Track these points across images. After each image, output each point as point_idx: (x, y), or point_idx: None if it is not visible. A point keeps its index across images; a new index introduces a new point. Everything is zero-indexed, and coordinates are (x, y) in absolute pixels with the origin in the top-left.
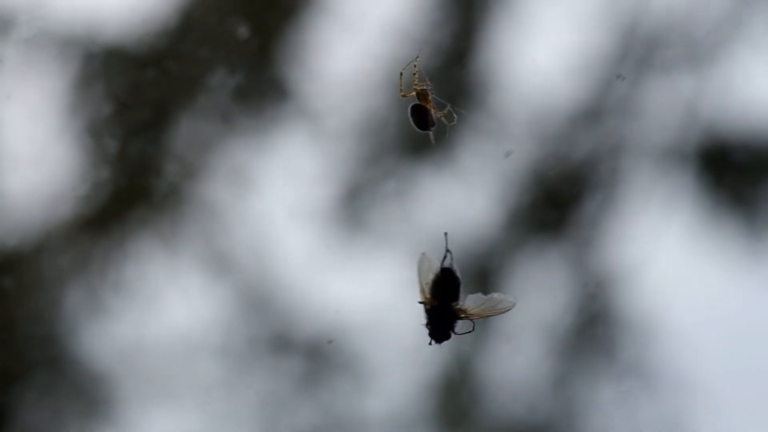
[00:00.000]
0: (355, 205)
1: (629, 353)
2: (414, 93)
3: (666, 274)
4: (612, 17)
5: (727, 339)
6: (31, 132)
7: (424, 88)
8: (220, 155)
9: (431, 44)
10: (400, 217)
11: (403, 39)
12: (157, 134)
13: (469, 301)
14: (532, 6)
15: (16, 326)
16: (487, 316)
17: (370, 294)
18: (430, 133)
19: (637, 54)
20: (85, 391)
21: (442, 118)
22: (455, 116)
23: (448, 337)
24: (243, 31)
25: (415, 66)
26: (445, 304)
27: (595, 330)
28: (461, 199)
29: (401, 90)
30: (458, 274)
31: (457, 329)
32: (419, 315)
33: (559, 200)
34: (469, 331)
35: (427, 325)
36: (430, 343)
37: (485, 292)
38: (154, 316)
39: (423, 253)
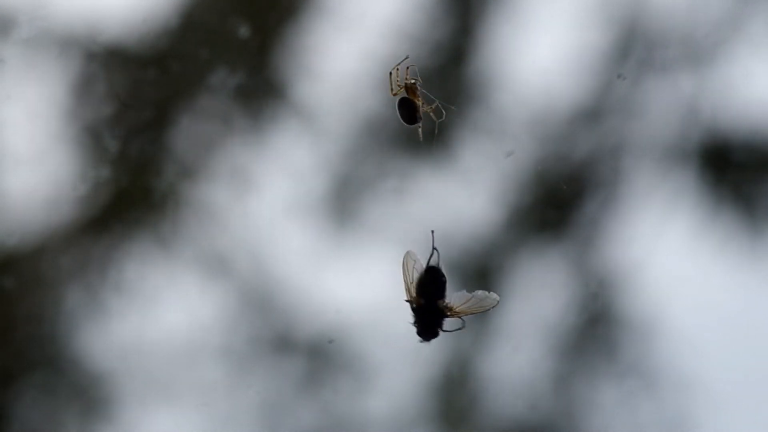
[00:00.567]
0: (355, 205)
1: (630, 353)
2: (403, 89)
3: (667, 273)
4: (612, 16)
5: (728, 338)
6: (31, 132)
7: (412, 82)
8: (220, 155)
9: (430, 43)
10: (401, 217)
11: (402, 38)
12: (158, 134)
13: (454, 299)
14: (532, 5)
15: (16, 326)
16: (472, 314)
17: (371, 293)
18: (419, 127)
19: (637, 53)
20: (85, 391)
21: (431, 113)
22: (444, 112)
23: (436, 335)
24: (243, 30)
25: (401, 64)
26: (431, 302)
27: (596, 329)
28: (462, 198)
29: (391, 89)
30: (444, 272)
31: (445, 326)
32: (408, 313)
33: (559, 200)
34: (460, 329)
35: (415, 323)
36: (420, 341)
37: (486, 291)
38: (154, 316)
39: (408, 252)
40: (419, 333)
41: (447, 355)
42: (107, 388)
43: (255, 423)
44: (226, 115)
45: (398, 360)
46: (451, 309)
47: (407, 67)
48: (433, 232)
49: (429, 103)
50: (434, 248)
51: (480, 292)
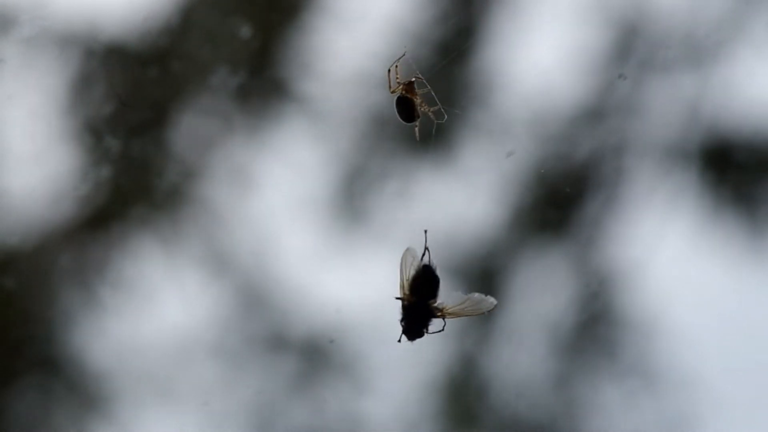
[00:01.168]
0: (356, 205)
1: (631, 352)
2: (402, 86)
3: (668, 273)
4: (613, 17)
5: (729, 337)
6: (32, 131)
7: (411, 80)
8: (220, 154)
9: (432, 43)
10: (402, 217)
11: (403, 37)
12: (158, 133)
13: (448, 300)
14: (533, 5)
15: (15, 325)
16: (465, 316)
17: (372, 293)
18: (416, 126)
19: (638, 53)
20: (82, 389)
21: (429, 112)
22: (445, 115)
23: (420, 335)
24: (244, 30)
25: (398, 62)
26: (422, 301)
27: (597, 329)
28: (463, 198)
29: (389, 86)
30: (438, 272)
31: (430, 328)
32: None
33: (561, 200)
34: (439, 331)
35: (402, 321)
36: (399, 340)
37: (486, 291)
38: (153, 315)
39: (408, 248)
40: (404, 332)
41: (449, 356)
42: (105, 386)
43: (255, 422)
44: (227, 113)
45: (399, 360)
46: (442, 310)
47: (397, 65)
48: (426, 231)
49: (431, 104)
50: (426, 247)
51: (476, 295)
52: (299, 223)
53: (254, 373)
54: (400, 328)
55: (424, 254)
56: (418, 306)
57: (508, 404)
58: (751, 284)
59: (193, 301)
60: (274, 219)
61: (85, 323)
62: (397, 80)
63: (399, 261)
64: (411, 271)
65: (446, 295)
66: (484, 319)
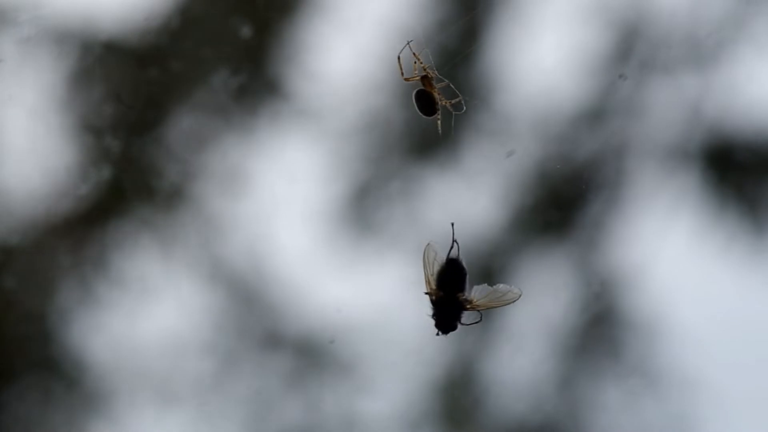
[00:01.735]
0: (358, 205)
1: (634, 353)
2: (418, 78)
3: (671, 273)
4: (615, 17)
5: (732, 337)
6: (31, 131)
7: (427, 73)
8: (220, 154)
9: (433, 44)
10: (403, 217)
11: (404, 38)
12: (158, 133)
13: (474, 292)
14: (535, 6)
15: (12, 323)
16: (493, 307)
17: (373, 293)
18: (438, 119)
19: (640, 54)
20: (80, 387)
21: (448, 105)
22: (464, 106)
23: (454, 328)
24: (244, 30)
25: (413, 53)
26: (450, 294)
27: (600, 330)
28: (465, 199)
29: (402, 73)
30: (464, 264)
31: (463, 320)
32: (424, 311)
33: (563, 200)
34: (477, 322)
35: (433, 315)
36: (437, 334)
37: (507, 285)
38: (153, 314)
39: (429, 244)
40: (437, 326)
41: (450, 356)
42: (100, 384)
43: (254, 422)
44: (226, 113)
45: (401, 361)
46: (470, 302)
47: (415, 62)
48: (453, 224)
49: (449, 97)
50: (454, 240)
51: (502, 286)
52: (301, 224)
53: (254, 372)
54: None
55: (452, 247)
56: (447, 299)
57: (510, 405)
58: (754, 284)
59: (193, 301)
60: (274, 219)
61: (83, 321)
62: (419, 66)
63: (421, 257)
64: (435, 266)
65: (471, 288)
66: (487, 320)
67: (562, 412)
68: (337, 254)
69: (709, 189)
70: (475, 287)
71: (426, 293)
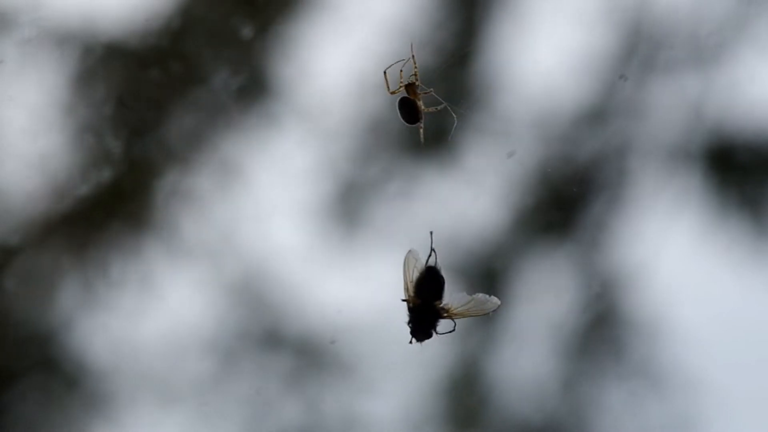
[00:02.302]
0: (359, 206)
1: (636, 353)
2: (404, 87)
3: (673, 274)
4: (616, 17)
5: (734, 338)
6: (31, 131)
7: (412, 81)
8: (220, 154)
9: (434, 45)
10: (404, 217)
11: (404, 38)
12: (158, 133)
13: (452, 301)
14: (535, 6)
15: (13, 324)
16: (470, 316)
17: (374, 294)
18: (420, 127)
19: (641, 54)
20: (79, 387)
21: (432, 112)
22: (455, 117)
23: (429, 336)
24: (244, 30)
25: (395, 65)
26: (428, 302)
27: (602, 330)
28: (467, 200)
29: (388, 88)
30: (442, 273)
31: (438, 329)
32: (403, 318)
33: (564, 201)
34: (450, 331)
35: (409, 323)
36: (410, 342)
37: (490, 293)
38: (153, 314)
39: (410, 251)
40: (412, 333)
41: (453, 357)
42: (101, 385)
43: (254, 422)
44: (226, 113)
45: (402, 361)
46: (448, 310)
47: (401, 69)
48: (431, 233)
49: (434, 104)
50: (432, 249)
51: (480, 295)
52: (303, 224)
53: (254, 372)
54: (407, 330)
55: (429, 256)
56: (424, 307)
57: (512, 406)
58: (756, 285)
59: (192, 301)
60: (276, 219)
61: (84, 322)
62: (400, 82)
63: (401, 263)
64: (415, 273)
65: (450, 296)
66: (488, 321)
67: (564, 413)
68: (339, 254)
69: (710, 189)
70: (454, 295)
71: (403, 300)
